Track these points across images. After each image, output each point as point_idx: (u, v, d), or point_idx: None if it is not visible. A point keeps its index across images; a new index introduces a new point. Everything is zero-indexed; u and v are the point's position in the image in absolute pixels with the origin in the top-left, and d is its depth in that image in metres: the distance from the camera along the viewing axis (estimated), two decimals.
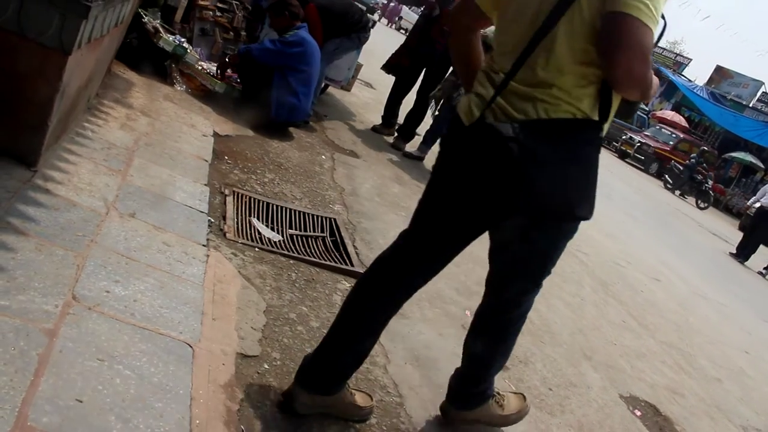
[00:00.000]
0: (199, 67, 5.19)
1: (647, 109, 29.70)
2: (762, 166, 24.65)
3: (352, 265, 3.34)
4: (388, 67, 6.85)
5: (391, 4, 28.19)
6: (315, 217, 3.77)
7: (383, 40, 13.04)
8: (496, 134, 1.81)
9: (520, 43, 1.83)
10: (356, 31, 6.06)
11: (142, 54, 4.83)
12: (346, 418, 2.19)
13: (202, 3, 5.75)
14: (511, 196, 1.90)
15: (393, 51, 6.96)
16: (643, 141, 22.23)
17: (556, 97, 1.79)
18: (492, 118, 1.85)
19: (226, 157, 4.02)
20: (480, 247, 4.71)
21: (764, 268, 11.31)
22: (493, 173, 1.88)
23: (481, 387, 2.43)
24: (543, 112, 1.79)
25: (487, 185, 1.92)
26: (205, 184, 3.38)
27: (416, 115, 6.64)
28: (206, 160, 3.72)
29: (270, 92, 4.97)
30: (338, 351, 2.11)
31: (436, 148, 6.44)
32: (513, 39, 1.86)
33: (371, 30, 6.35)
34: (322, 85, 6.51)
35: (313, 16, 5.49)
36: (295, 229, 3.53)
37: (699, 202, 19.09)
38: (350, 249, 3.52)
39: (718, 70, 31.81)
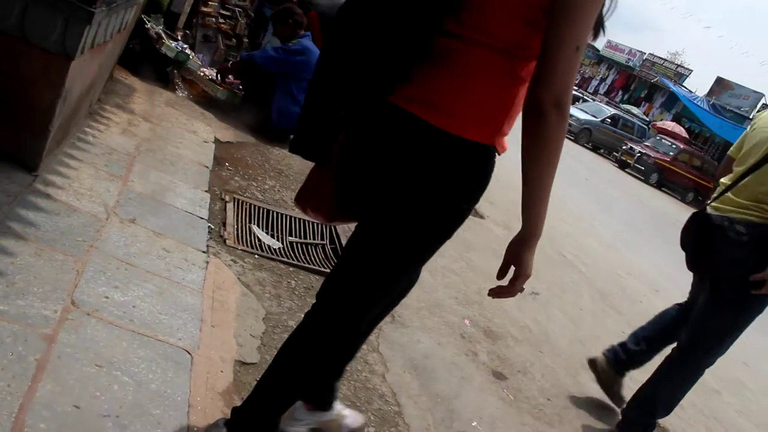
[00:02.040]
0: (201, 74, 5.20)
1: (648, 119, 29.80)
2: None
3: None
4: None
5: None
6: (315, 224, 3.77)
7: None
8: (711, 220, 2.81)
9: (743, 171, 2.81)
10: None
11: (144, 60, 4.85)
12: None
13: (205, 10, 5.77)
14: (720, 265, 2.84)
15: None
16: (644, 151, 22.21)
17: (764, 210, 2.70)
18: (712, 211, 2.85)
19: (227, 164, 4.03)
20: (479, 257, 4.71)
21: None
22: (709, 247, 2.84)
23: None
24: (755, 218, 2.71)
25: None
26: (206, 191, 3.39)
27: None
28: (207, 167, 3.72)
29: (271, 99, 4.98)
30: None
31: None
32: (741, 168, 2.84)
33: None
34: None
35: (314, 23, 5.50)
36: (295, 237, 3.53)
37: None
38: None
39: (719, 81, 31.89)
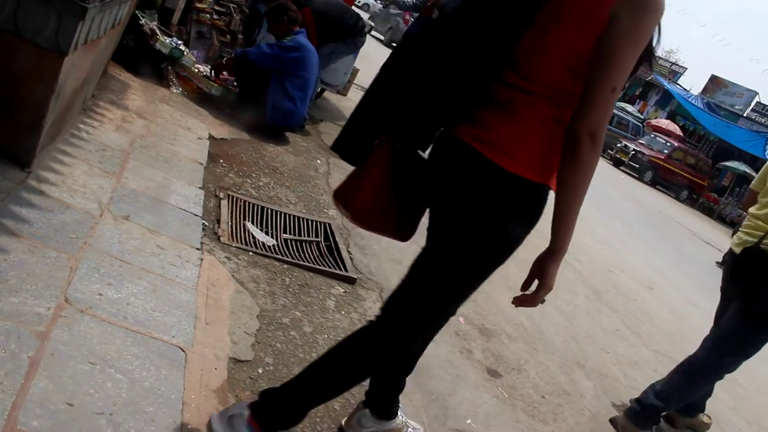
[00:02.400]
0: (196, 70, 5.18)
1: (642, 117, 29.84)
2: (755, 175, 24.74)
3: (346, 271, 3.34)
4: None
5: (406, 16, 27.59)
6: (309, 221, 3.77)
7: (380, 46, 13.08)
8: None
9: None
10: (352, 36, 6.06)
11: (138, 56, 4.83)
12: None
13: (199, 6, 5.75)
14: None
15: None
16: (638, 149, 22.27)
17: None
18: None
19: (222, 161, 4.02)
20: None
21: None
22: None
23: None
24: None
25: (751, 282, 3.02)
26: (200, 188, 3.38)
27: None
28: (201, 163, 3.71)
29: (266, 96, 4.96)
30: None
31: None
32: None
33: (367, 35, 6.35)
34: (318, 89, 6.51)
35: (308, 20, 5.49)
36: (290, 234, 3.52)
37: None
38: (344, 254, 3.52)
39: (713, 79, 31.95)
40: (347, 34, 6.00)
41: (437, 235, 1.76)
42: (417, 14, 6.58)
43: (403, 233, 1.91)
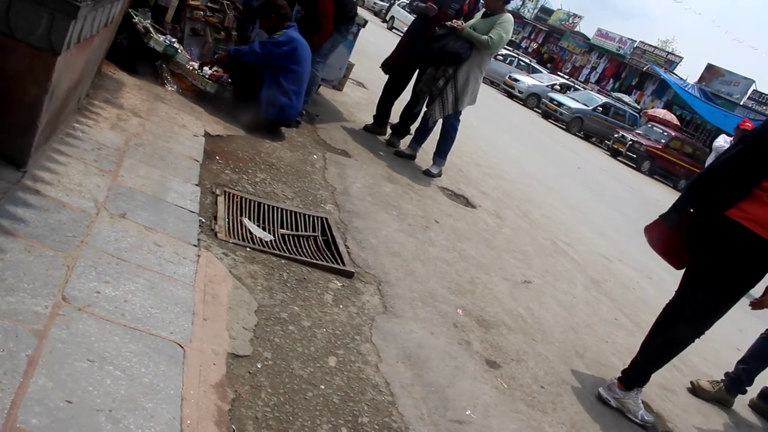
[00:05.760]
0: (190, 67, 5.18)
1: (639, 107, 29.85)
2: None
3: (344, 265, 3.34)
4: (385, 67, 6.80)
5: None
6: (306, 216, 3.77)
7: (375, 41, 13.06)
8: None
9: None
10: (344, 23, 6.04)
11: (132, 54, 4.82)
12: None
13: (192, 3, 5.73)
14: None
15: (388, 50, 6.91)
16: (635, 139, 22.26)
17: None
18: None
19: (218, 157, 4.02)
20: (471, 247, 4.70)
21: None
22: None
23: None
24: None
25: None
26: (196, 185, 3.38)
27: (410, 113, 6.62)
28: (197, 161, 3.71)
29: (261, 92, 4.96)
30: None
31: (425, 146, 6.44)
32: None
33: (362, 29, 6.34)
34: (316, 85, 6.49)
35: (327, 4, 5.50)
36: (287, 229, 3.53)
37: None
38: (342, 248, 3.52)
39: (710, 68, 31.96)
40: (341, 23, 5.98)
41: (704, 270, 3.20)
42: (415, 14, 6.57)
43: (680, 264, 3.42)
